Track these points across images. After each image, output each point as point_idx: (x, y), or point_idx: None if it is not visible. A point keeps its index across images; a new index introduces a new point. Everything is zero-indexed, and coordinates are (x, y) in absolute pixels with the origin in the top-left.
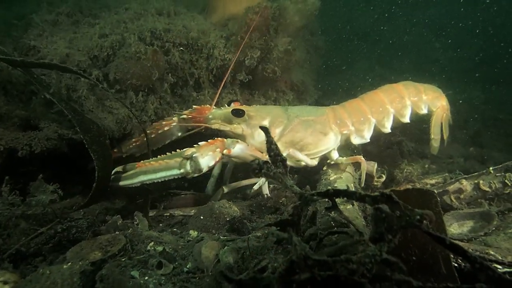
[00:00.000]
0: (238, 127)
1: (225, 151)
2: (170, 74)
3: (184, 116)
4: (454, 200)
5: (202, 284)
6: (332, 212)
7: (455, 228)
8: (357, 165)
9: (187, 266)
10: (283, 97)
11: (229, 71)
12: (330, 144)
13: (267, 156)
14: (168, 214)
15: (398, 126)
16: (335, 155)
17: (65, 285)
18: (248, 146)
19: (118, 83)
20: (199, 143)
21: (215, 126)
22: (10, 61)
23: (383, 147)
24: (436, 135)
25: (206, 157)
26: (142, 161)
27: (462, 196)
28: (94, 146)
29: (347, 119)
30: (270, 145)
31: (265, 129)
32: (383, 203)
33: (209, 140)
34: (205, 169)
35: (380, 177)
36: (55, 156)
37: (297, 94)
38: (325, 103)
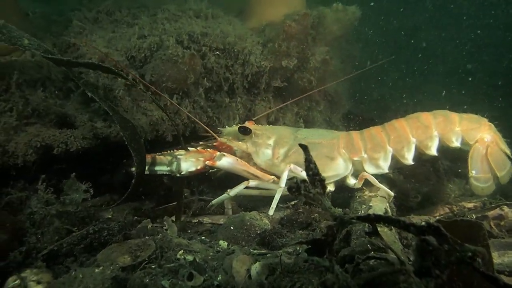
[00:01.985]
0: (243, 145)
1: (208, 162)
2: (205, 79)
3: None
4: (493, 227)
5: None
6: (372, 237)
7: (495, 257)
8: (391, 183)
9: (218, 279)
10: (316, 107)
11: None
12: (339, 170)
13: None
14: (197, 220)
15: (428, 160)
16: (351, 182)
17: None
18: (237, 161)
19: (153, 85)
20: (189, 148)
21: (223, 141)
22: (56, 60)
23: (416, 165)
24: (478, 172)
25: (188, 162)
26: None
27: (502, 223)
28: (133, 143)
29: (361, 146)
30: (309, 163)
31: (304, 147)
32: (429, 235)
33: (199, 148)
34: (184, 172)
35: (416, 197)
36: (89, 155)
37: (330, 104)
38: (356, 113)
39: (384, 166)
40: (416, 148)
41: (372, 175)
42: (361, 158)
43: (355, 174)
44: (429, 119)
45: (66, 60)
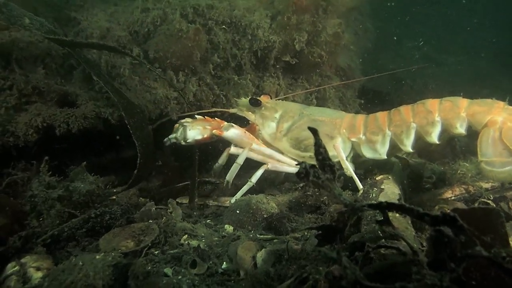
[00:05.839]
0: (251, 115)
1: (215, 131)
2: (212, 55)
3: None
4: None
5: None
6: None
7: None
8: (405, 164)
9: (222, 267)
10: (328, 83)
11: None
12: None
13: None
14: (202, 203)
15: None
16: (346, 166)
17: (97, 278)
18: (245, 133)
19: (157, 62)
20: (196, 116)
21: (234, 111)
22: (59, 41)
23: None
24: (489, 156)
25: (195, 130)
26: None
27: None
28: (138, 132)
29: (362, 127)
30: (319, 148)
31: (313, 130)
32: (444, 225)
33: (206, 117)
34: (190, 140)
35: (430, 177)
36: (92, 133)
37: (342, 80)
38: (371, 88)
39: (382, 151)
40: (417, 134)
41: (370, 159)
42: (359, 140)
43: (356, 162)
44: (435, 104)
45: (69, 41)
